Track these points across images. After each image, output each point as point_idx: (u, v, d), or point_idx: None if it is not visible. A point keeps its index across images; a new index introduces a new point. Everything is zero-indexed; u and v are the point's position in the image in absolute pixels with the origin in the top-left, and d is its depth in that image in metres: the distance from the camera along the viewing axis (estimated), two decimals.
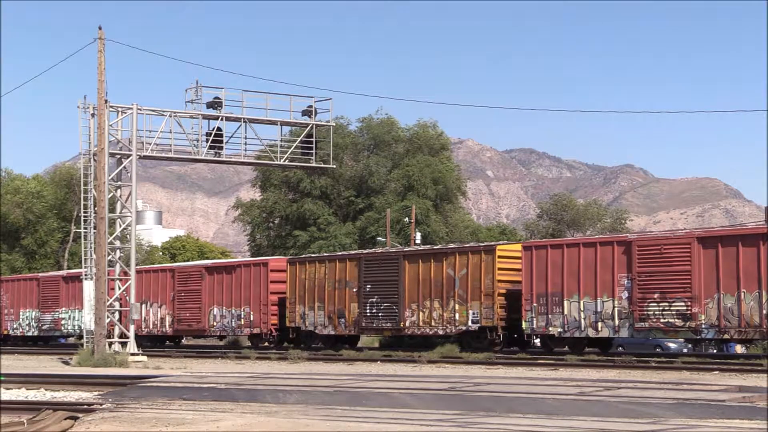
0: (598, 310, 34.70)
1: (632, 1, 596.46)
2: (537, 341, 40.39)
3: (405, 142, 76.59)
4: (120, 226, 39.80)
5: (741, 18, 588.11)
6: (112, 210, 39.88)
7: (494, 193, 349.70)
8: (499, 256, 37.69)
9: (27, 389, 25.37)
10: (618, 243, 34.88)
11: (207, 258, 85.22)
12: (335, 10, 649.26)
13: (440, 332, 39.26)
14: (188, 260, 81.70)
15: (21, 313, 57.54)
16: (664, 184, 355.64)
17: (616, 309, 34.31)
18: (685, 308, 32.87)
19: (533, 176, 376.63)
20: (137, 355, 37.07)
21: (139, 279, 43.87)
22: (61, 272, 59.99)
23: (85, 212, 38.91)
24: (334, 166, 47.27)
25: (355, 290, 41.72)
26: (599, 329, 34.78)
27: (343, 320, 42.19)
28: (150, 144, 39.50)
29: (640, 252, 33.95)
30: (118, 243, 39.60)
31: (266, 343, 45.52)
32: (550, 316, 35.81)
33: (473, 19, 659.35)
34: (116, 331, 38.44)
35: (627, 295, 34.07)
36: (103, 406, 20.34)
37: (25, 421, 17.90)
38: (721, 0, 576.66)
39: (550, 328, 35.86)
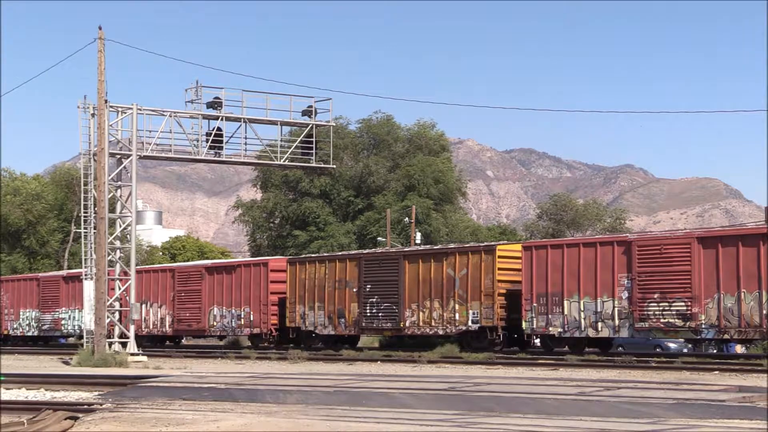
0: (598, 310, 34.69)
1: (633, 1, 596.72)
2: (537, 341, 40.39)
3: (405, 142, 76.67)
4: (120, 226, 39.81)
5: (741, 18, 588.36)
6: (112, 210, 39.87)
7: (494, 193, 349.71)
8: (499, 256, 37.68)
9: (27, 389, 25.35)
10: (618, 243, 34.87)
11: (207, 258, 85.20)
12: (335, 11, 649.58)
13: (440, 332, 39.26)
14: (188, 260, 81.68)
15: (21, 313, 57.53)
16: (664, 184, 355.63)
17: (616, 309, 34.30)
18: (685, 308, 32.86)
19: (533, 176, 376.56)
20: (137, 355, 37.06)
21: (139, 279, 43.86)
22: (61, 272, 59.99)
23: (85, 212, 38.90)
24: (334, 167, 47.25)
25: (355, 290, 41.72)
26: (599, 329, 34.78)
27: (343, 320, 42.18)
28: (150, 144, 39.49)
29: (640, 252, 33.95)
30: (118, 243, 39.59)
31: (266, 343, 45.51)
32: (550, 316, 35.80)
33: (473, 19, 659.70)
34: (116, 331, 38.43)
35: (627, 295, 34.06)
36: (103, 406, 20.34)
37: (25, 421, 17.90)
38: (721, 0, 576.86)
39: (550, 328, 35.85)
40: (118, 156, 39.08)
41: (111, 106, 38.10)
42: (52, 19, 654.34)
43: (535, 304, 36.12)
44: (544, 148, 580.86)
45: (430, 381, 24.27)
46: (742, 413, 17.00)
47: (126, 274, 39.03)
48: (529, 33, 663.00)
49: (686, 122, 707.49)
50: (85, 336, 39.71)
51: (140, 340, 42.96)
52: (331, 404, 19.80)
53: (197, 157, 40.84)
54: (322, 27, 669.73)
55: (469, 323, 38.01)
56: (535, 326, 36.30)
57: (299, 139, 42.59)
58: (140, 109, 39.11)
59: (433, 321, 39.13)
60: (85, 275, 39.20)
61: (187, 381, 25.60)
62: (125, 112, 38.91)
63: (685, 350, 45.59)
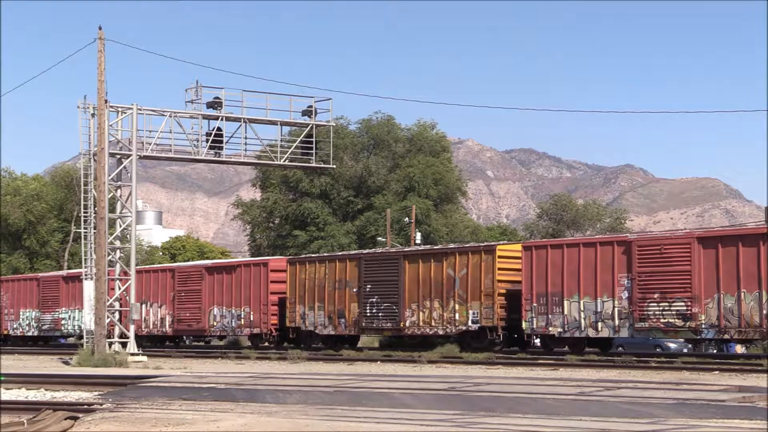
0: (598, 310, 34.68)
1: (633, 1, 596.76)
2: (537, 341, 40.38)
3: (405, 142, 76.68)
4: (120, 226, 39.81)
5: (741, 18, 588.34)
6: (112, 210, 39.88)
7: (494, 193, 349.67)
8: (499, 256, 37.67)
9: (27, 389, 25.36)
10: (618, 243, 34.87)
11: (207, 258, 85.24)
12: (335, 11, 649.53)
13: (440, 332, 39.25)
14: (188, 260, 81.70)
15: (21, 313, 57.53)
16: (664, 184, 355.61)
17: (616, 309, 34.30)
18: (685, 308, 32.86)
19: (533, 176, 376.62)
20: (137, 355, 37.07)
21: (139, 279, 43.85)
22: (61, 272, 60.00)
23: (85, 212, 38.90)
24: (334, 167, 47.29)
25: (355, 290, 41.71)
26: (599, 329, 34.78)
27: (343, 320, 42.18)
28: (150, 144, 39.50)
29: (640, 252, 33.94)
30: (118, 243, 39.60)
31: (266, 343, 45.51)
32: (550, 316, 35.80)
33: (474, 19, 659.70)
34: (116, 331, 38.44)
35: (627, 295, 34.05)
36: (103, 406, 20.34)
37: (25, 421, 17.90)
38: (720, 0, 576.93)
39: (550, 328, 35.85)
40: (118, 156, 39.08)
41: (111, 106, 38.11)
42: (52, 19, 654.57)
43: (535, 304, 36.11)
44: (544, 148, 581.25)
45: (430, 381, 24.27)
46: (742, 413, 17.00)
47: (126, 274, 39.03)
48: (529, 33, 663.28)
49: (686, 122, 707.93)
50: (85, 336, 39.70)
51: (140, 340, 42.95)
52: (331, 404, 19.80)
53: (197, 157, 40.85)
54: (322, 27, 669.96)
55: (469, 323, 38.00)
56: (535, 326, 36.30)
57: (299, 139, 42.60)
58: (140, 109, 39.11)
59: (433, 321, 39.13)
60: (85, 275, 39.20)
61: (187, 381, 25.61)
62: (125, 112, 38.92)
63: (685, 350, 45.59)
